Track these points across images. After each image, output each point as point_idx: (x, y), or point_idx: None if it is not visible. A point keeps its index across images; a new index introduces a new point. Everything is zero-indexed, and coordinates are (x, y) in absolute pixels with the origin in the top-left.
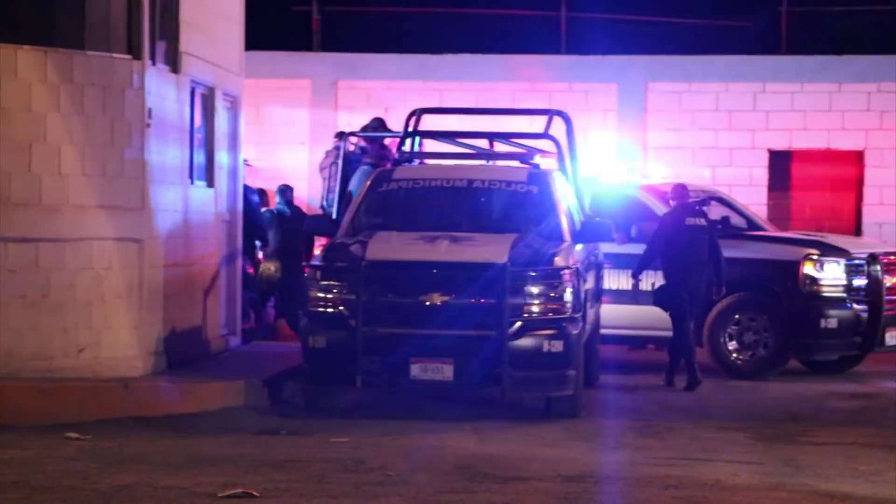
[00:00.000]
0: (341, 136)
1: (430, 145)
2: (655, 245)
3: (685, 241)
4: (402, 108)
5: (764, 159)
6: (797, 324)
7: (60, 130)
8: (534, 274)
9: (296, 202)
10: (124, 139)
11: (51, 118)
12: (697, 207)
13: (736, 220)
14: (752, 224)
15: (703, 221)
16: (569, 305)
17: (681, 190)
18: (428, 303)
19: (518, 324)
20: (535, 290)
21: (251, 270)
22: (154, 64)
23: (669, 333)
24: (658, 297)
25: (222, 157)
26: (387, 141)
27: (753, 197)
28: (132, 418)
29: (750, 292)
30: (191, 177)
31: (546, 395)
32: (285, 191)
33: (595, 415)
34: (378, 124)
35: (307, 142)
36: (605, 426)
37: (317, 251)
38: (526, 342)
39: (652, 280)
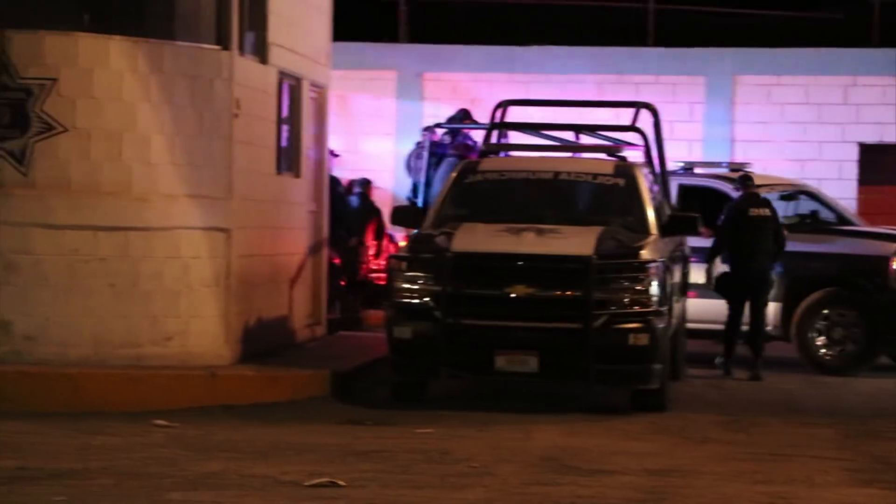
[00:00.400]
0: (429, 129)
1: (516, 137)
2: (723, 234)
3: (750, 231)
4: (488, 99)
5: (854, 153)
6: (887, 319)
7: (150, 120)
8: (620, 267)
9: (382, 193)
10: (213, 129)
11: (141, 108)
12: (763, 198)
13: (825, 214)
14: (842, 218)
15: (767, 212)
16: (655, 299)
17: (746, 180)
18: (513, 295)
19: (604, 317)
20: (621, 283)
21: (337, 261)
22: (242, 54)
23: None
24: (719, 284)
25: (309, 148)
26: (472, 133)
27: (843, 191)
28: (219, 406)
29: (839, 287)
30: (278, 167)
31: (631, 389)
32: (363, 183)
33: (681, 409)
34: (463, 116)
35: (393, 133)
36: (690, 420)
37: (402, 243)
38: (611, 335)
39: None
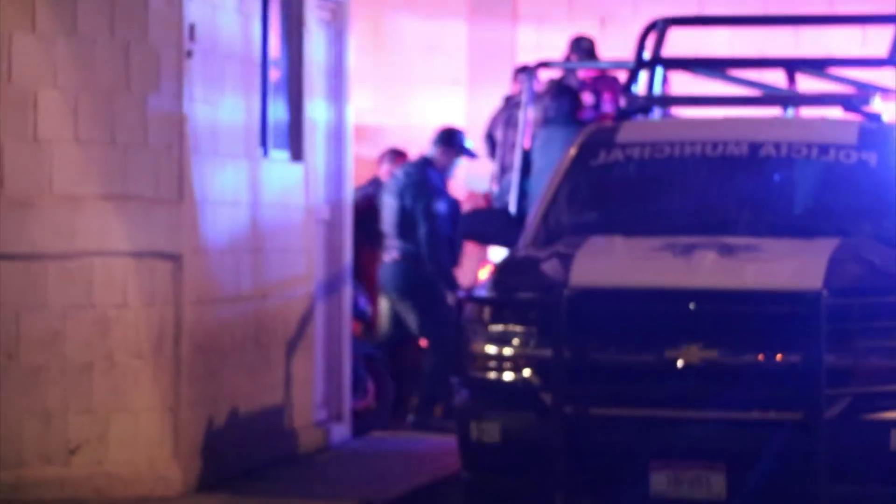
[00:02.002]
0: (526, 72)
1: (681, 83)
2: None
3: None
4: (630, 18)
5: None
6: None
7: (35, 64)
8: (874, 309)
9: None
10: (148, 79)
11: (18, 41)
12: None
13: None
14: None
15: None
16: None
17: None
18: (680, 362)
19: (845, 399)
20: (876, 338)
21: (370, 307)
22: None
23: None
24: None
25: (318, 109)
26: (602, 76)
27: None
28: None
29: None
30: (264, 144)
31: None
32: (394, 157)
33: None
34: (589, 48)
35: (464, 80)
36: None
37: (482, 271)
38: (859, 433)
39: None
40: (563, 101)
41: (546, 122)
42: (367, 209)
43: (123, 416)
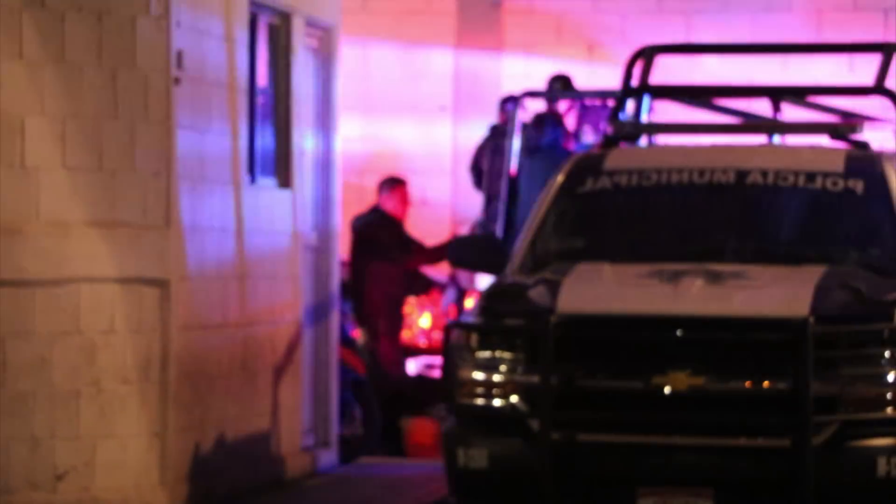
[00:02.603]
0: (511, 102)
1: (667, 111)
2: None
3: None
4: (619, 45)
5: None
6: None
7: (23, 91)
8: (860, 337)
9: (430, 210)
10: (136, 106)
11: (5, 68)
12: None
13: None
14: None
15: None
16: None
17: None
18: (668, 389)
19: (832, 427)
20: (862, 366)
21: (356, 334)
22: None
23: None
24: None
25: (306, 137)
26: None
27: None
28: None
29: None
30: (251, 171)
31: None
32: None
33: None
34: (566, 85)
35: (449, 106)
36: None
37: (469, 300)
38: (846, 460)
39: None
40: (548, 130)
41: (531, 151)
42: (369, 237)
43: (110, 443)
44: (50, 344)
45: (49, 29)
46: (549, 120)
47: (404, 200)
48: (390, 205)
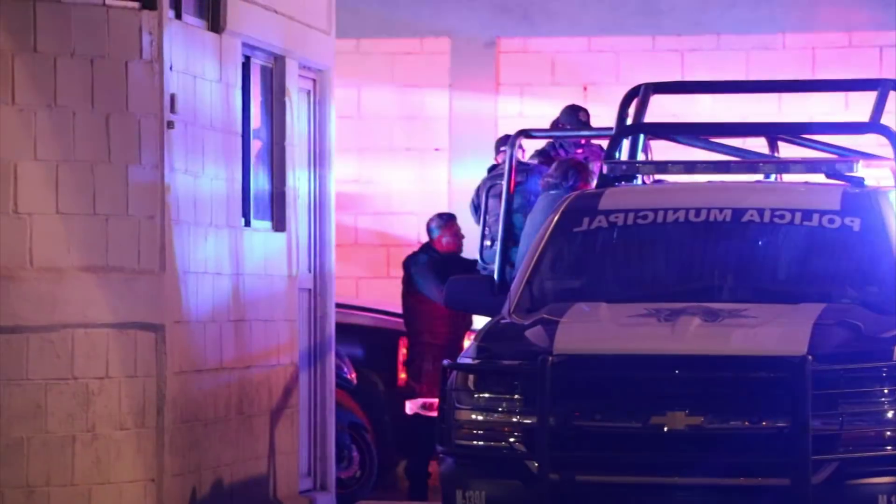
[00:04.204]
0: (508, 142)
1: (663, 150)
2: None
3: None
4: (613, 84)
5: None
6: None
7: (16, 136)
8: (859, 376)
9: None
10: (129, 150)
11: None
12: None
13: None
14: None
15: None
16: None
17: None
18: (666, 429)
19: (832, 465)
20: (861, 404)
21: (353, 376)
22: (179, 17)
23: None
24: None
25: (300, 179)
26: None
27: None
28: None
29: None
30: (245, 214)
31: None
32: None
33: None
34: (570, 117)
35: (446, 146)
36: None
37: (467, 341)
38: (847, 498)
39: None
40: (544, 170)
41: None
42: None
43: (106, 489)
44: (44, 390)
45: (41, 74)
46: (546, 160)
47: (457, 234)
48: (444, 241)
